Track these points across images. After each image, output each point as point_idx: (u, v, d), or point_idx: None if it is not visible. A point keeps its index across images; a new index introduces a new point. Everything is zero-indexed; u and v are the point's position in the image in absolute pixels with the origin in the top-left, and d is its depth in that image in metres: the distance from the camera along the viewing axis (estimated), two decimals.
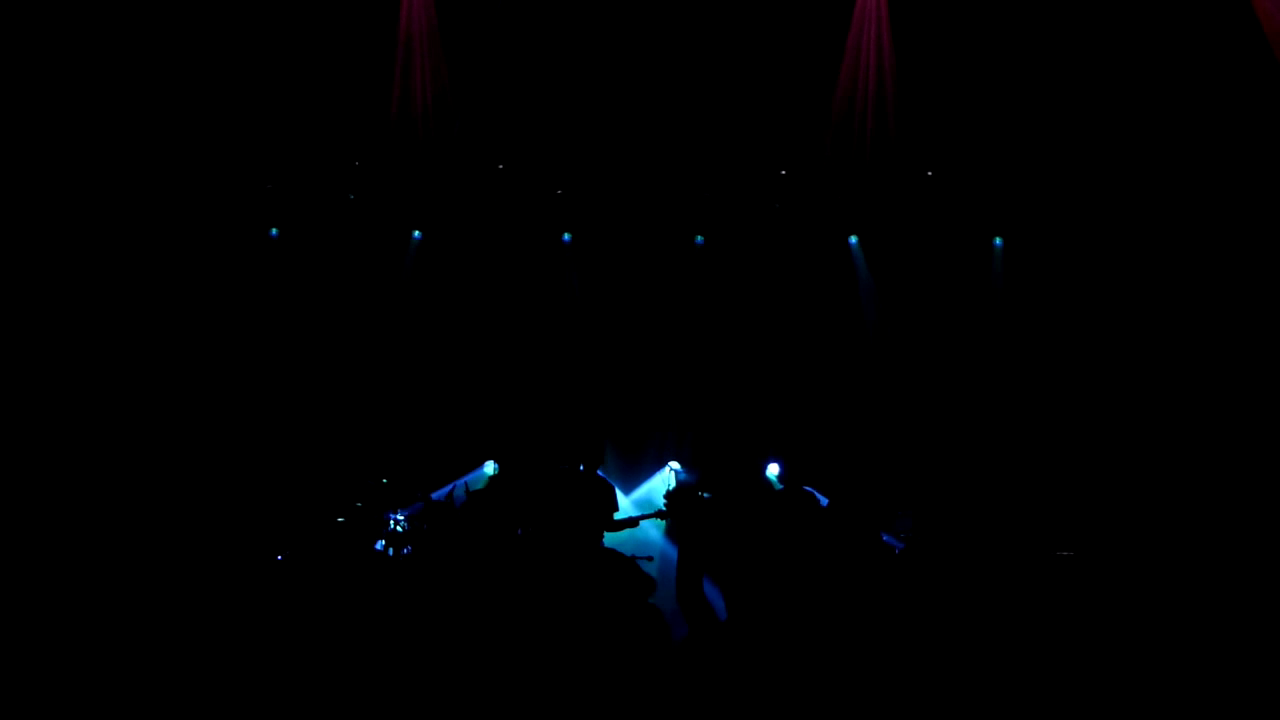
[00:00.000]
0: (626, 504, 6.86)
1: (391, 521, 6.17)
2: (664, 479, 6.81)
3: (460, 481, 6.74)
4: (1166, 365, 6.74)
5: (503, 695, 3.30)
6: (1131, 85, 6.41)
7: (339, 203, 7.58)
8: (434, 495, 6.58)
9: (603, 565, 5.53)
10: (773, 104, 6.91)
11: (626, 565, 5.57)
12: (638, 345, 7.85)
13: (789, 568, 5.13)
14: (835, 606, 4.43)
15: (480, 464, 7.17)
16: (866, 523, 5.56)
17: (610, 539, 6.19)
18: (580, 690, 3.29)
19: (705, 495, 6.26)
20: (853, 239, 7.40)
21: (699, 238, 7.66)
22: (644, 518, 6.53)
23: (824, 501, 6.15)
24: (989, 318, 7.22)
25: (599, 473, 6.35)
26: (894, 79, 6.56)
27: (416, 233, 7.70)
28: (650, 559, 6.16)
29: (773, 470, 6.63)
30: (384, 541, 6.12)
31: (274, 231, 7.60)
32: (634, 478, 7.33)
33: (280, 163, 7.23)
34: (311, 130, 7.10)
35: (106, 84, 6.27)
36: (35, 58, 5.94)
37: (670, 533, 6.69)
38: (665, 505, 6.35)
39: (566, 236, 7.78)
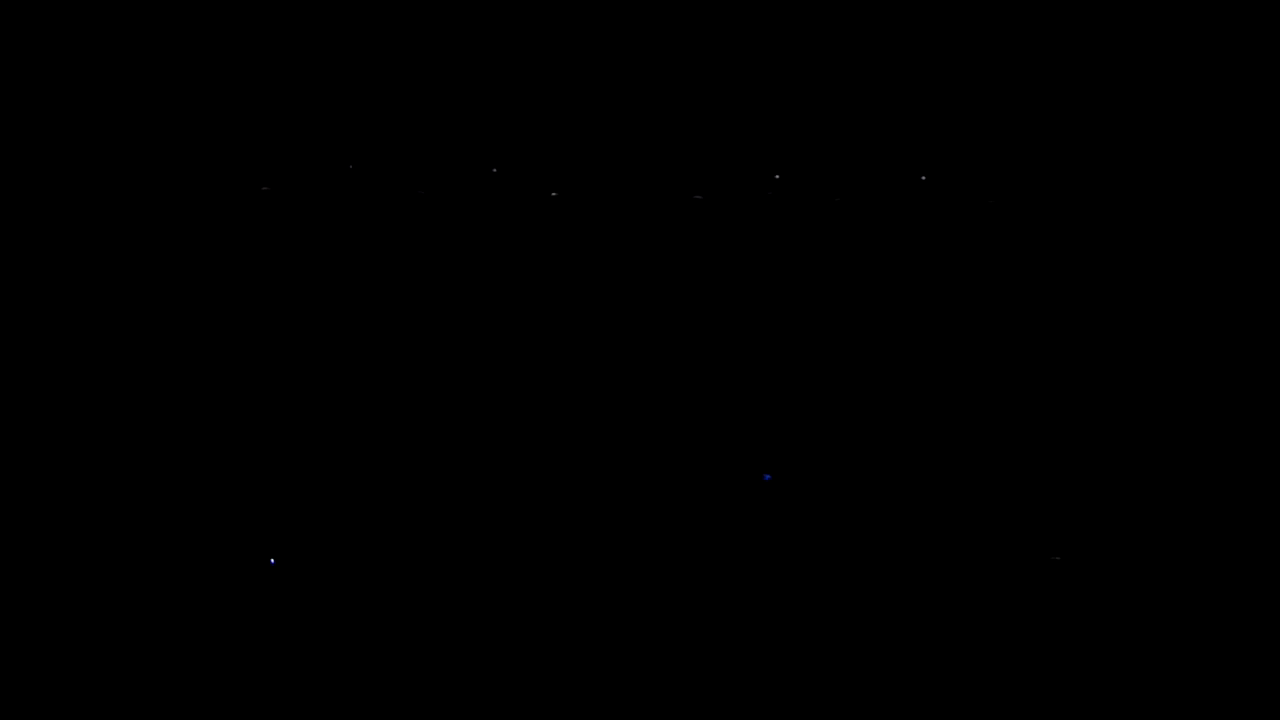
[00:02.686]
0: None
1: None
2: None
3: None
4: (1165, 364, 6.82)
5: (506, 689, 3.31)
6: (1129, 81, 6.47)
7: (332, 204, 7.66)
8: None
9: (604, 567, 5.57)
10: (766, 106, 7.00)
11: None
12: (631, 352, 7.96)
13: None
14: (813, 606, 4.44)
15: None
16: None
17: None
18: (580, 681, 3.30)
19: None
20: (848, 243, 7.51)
21: (692, 239, 7.78)
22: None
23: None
24: (981, 319, 7.31)
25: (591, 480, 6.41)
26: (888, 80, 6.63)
27: (406, 238, 7.78)
28: None
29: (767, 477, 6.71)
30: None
31: (265, 234, 7.69)
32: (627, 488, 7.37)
33: (276, 165, 7.31)
34: (307, 132, 7.18)
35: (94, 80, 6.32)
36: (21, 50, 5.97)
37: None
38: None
39: (558, 240, 7.87)
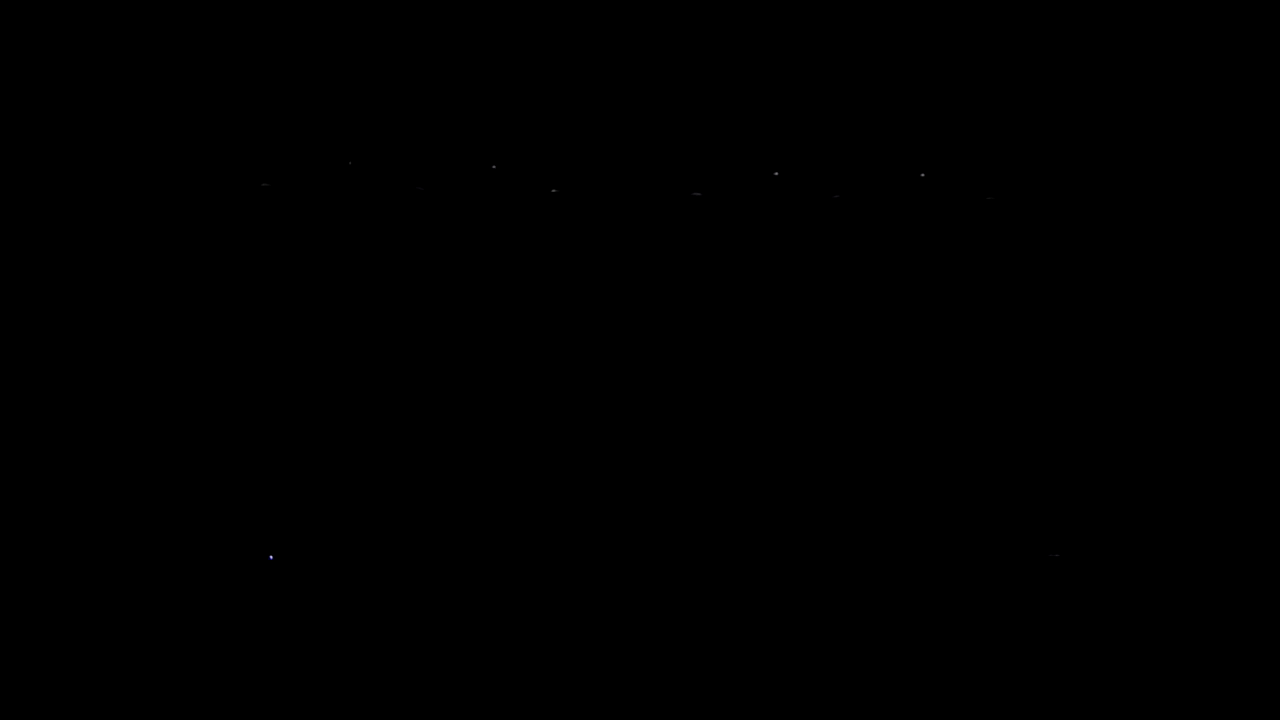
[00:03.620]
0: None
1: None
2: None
3: None
4: (1168, 360, 6.80)
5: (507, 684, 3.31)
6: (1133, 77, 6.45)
7: (331, 201, 7.64)
8: None
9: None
10: (765, 105, 6.97)
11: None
12: (630, 349, 7.94)
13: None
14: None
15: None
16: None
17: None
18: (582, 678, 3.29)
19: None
20: (848, 241, 7.49)
21: (691, 237, 7.75)
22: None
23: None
24: (981, 317, 7.29)
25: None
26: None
27: (403, 234, 7.75)
28: None
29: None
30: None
31: (264, 230, 7.65)
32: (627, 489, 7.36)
33: (275, 161, 7.28)
34: (306, 128, 7.14)
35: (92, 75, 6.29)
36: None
37: None
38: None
39: (557, 237, 7.85)
